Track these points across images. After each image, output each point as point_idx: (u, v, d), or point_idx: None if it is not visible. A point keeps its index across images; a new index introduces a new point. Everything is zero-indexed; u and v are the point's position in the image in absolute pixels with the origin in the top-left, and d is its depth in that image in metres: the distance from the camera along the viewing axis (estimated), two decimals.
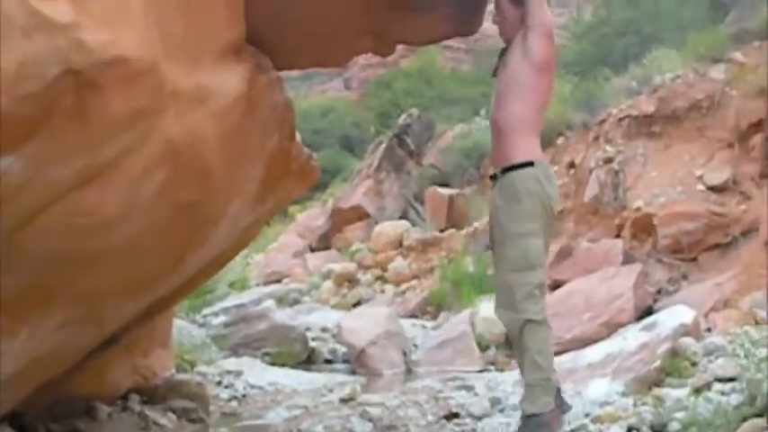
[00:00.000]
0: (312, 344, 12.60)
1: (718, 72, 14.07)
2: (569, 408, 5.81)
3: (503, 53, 5.77)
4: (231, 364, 10.18)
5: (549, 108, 16.25)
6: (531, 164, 5.46)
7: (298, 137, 6.03)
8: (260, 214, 6.01)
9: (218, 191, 4.60)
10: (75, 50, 3.23)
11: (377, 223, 19.56)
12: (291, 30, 5.20)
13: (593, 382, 7.52)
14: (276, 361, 11.34)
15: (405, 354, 11.49)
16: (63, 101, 3.29)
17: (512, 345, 5.72)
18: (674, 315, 8.62)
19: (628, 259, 12.06)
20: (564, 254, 12.87)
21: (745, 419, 5.09)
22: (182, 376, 7.88)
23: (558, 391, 5.71)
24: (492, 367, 10.76)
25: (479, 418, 7.12)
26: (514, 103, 5.52)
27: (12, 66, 3.04)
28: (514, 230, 5.43)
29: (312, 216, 23.54)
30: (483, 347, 11.33)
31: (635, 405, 6.46)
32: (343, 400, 8.26)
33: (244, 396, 8.94)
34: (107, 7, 3.46)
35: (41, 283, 4.08)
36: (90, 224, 3.82)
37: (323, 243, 21.96)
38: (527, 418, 5.47)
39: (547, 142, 16.55)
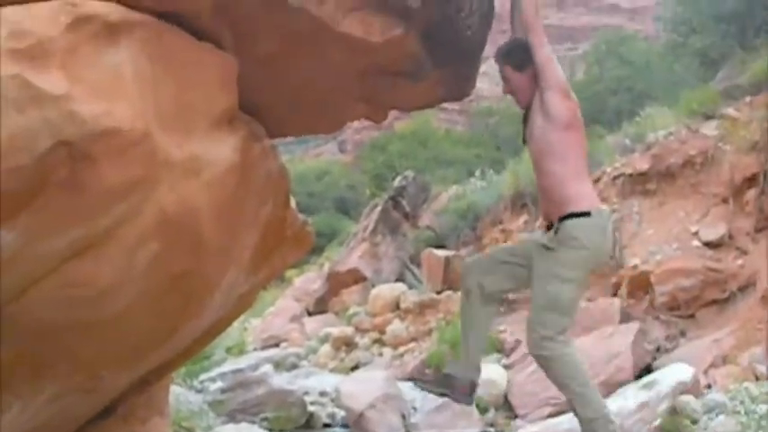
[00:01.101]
0: (310, 408, 12.57)
1: (710, 128, 14.15)
2: None
3: (525, 118, 5.79)
4: (229, 430, 10.12)
5: None
6: (588, 213, 5.47)
7: (293, 201, 6.03)
8: (256, 282, 5.99)
9: (213, 260, 4.59)
10: (67, 122, 3.25)
11: (373, 286, 19.55)
12: (285, 97, 5.21)
13: None
14: (274, 426, 11.29)
15: (404, 417, 11.45)
16: (56, 173, 3.31)
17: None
18: (673, 373, 8.61)
19: (625, 318, 12.04)
20: None
21: None
22: None
23: None
24: (492, 429, 10.74)
25: None
26: (553, 165, 5.53)
27: (4, 138, 3.06)
28: (562, 274, 5.43)
29: (309, 280, 23.52)
30: (482, 409, 11.30)
31: None
32: None
33: None
34: (100, 78, 3.48)
35: (35, 354, 4.07)
36: (84, 295, 3.82)
37: (320, 307, 21.93)
38: None
39: None
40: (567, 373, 5.35)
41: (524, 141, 5.86)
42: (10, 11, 3.37)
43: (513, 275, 5.87)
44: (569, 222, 5.40)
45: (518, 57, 5.65)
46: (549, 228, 5.62)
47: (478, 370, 5.87)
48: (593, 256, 5.60)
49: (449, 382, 5.72)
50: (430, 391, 6.19)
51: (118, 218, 3.71)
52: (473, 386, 5.80)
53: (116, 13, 3.66)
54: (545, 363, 5.42)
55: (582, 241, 5.33)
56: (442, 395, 5.92)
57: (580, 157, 5.69)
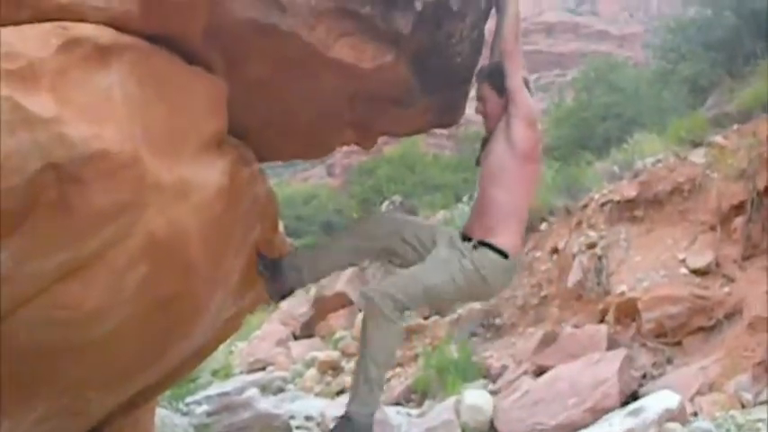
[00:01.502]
0: None
1: (698, 156, 14.17)
2: None
3: (485, 141, 5.75)
4: None
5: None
6: (507, 256, 5.41)
7: (280, 225, 6.04)
8: (243, 306, 5.99)
9: (201, 284, 4.59)
10: (57, 144, 3.25)
11: (360, 310, 19.50)
12: (274, 122, 5.23)
13: None
14: None
15: None
16: (45, 194, 3.31)
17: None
18: (659, 400, 8.61)
19: (612, 344, 12.03)
20: (548, 340, 12.84)
21: None
22: None
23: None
24: None
25: None
26: (498, 192, 5.46)
27: None
28: (456, 278, 5.27)
29: (295, 304, 23.45)
30: None
31: None
32: None
33: None
34: (89, 101, 3.49)
35: (24, 375, 4.07)
36: (72, 317, 3.82)
37: (306, 331, 21.90)
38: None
39: (529, 228, 16.58)
40: (381, 345, 5.20)
41: (478, 163, 5.83)
42: (3, 32, 3.38)
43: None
44: (490, 254, 5.32)
45: (501, 80, 5.62)
46: (465, 237, 5.62)
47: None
48: (484, 293, 5.69)
49: (274, 271, 5.59)
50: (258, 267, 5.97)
51: (107, 240, 3.71)
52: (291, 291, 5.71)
53: (107, 35, 3.66)
54: (374, 320, 5.21)
55: (488, 277, 5.27)
56: (260, 274, 5.74)
57: (527, 193, 5.62)
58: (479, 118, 5.66)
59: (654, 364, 11.61)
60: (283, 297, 5.77)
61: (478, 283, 5.30)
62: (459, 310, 16.43)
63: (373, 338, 5.12)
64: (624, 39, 69.38)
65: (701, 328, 11.70)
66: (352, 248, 5.43)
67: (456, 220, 21.37)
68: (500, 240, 5.31)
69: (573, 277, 14.13)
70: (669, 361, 11.51)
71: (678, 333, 11.73)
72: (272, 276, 5.41)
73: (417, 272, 5.29)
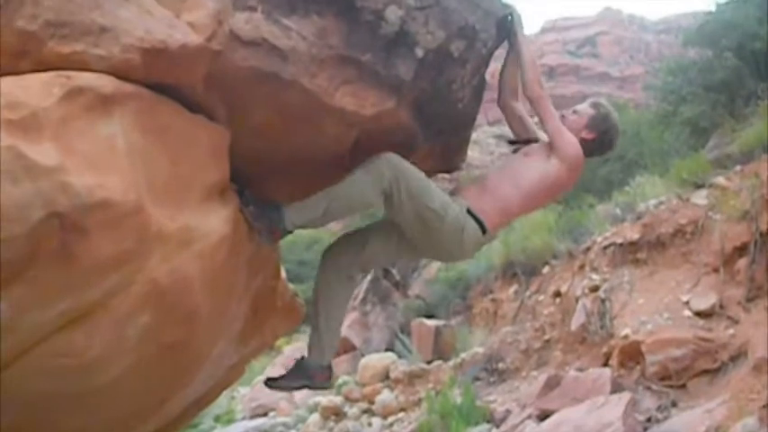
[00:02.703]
0: None
1: (701, 197, 14.16)
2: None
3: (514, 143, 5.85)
4: None
5: (534, 237, 16.22)
6: (485, 231, 5.44)
7: (283, 272, 6.04)
8: (246, 352, 5.98)
9: (204, 331, 4.58)
10: (60, 193, 3.25)
11: (363, 355, 19.46)
12: (276, 169, 5.24)
13: None
14: None
15: None
16: (48, 244, 3.31)
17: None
18: None
19: (616, 387, 11.97)
20: (552, 383, 12.79)
21: None
22: None
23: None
24: None
25: None
26: (510, 191, 5.51)
27: None
28: (436, 198, 5.22)
29: (298, 349, 23.30)
30: None
31: None
32: None
33: None
34: (92, 150, 3.50)
35: (24, 423, 4.06)
36: (75, 365, 3.81)
37: None
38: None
39: (532, 272, 16.61)
40: (348, 186, 5.13)
41: (511, 143, 5.90)
42: (5, 82, 3.39)
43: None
44: (474, 223, 5.40)
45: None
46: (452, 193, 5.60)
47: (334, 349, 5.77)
48: (452, 250, 5.55)
49: (305, 372, 5.57)
50: (289, 389, 5.97)
51: (109, 289, 3.71)
52: (330, 369, 5.69)
53: (109, 84, 3.68)
54: (362, 168, 5.13)
55: (465, 239, 5.35)
56: (302, 387, 5.73)
57: (531, 204, 5.76)
58: (481, 162, 5.72)
59: (659, 408, 11.55)
60: (277, 238, 5.39)
61: (456, 235, 5.34)
62: (462, 355, 16.38)
63: (347, 179, 5.08)
64: (625, 80, 69.42)
65: (706, 371, 11.64)
66: (362, 185, 5.24)
67: (458, 264, 21.36)
68: (486, 220, 5.41)
69: (576, 320, 14.10)
70: (674, 404, 11.45)
71: (683, 376, 11.68)
72: (310, 380, 5.43)
73: (427, 183, 5.27)
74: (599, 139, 5.76)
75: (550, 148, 5.53)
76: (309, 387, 5.73)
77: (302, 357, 5.69)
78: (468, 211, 5.38)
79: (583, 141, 5.63)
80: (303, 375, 5.60)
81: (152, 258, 3.85)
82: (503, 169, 5.83)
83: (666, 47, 66.65)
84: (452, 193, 5.53)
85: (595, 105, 5.88)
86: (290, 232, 5.15)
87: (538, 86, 5.52)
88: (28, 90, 3.38)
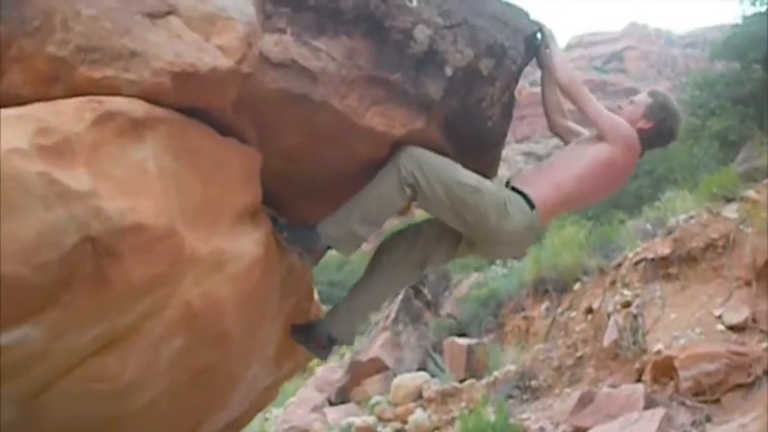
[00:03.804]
0: None
1: (731, 211, 14.08)
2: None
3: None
4: None
5: (565, 253, 16.13)
6: (533, 207, 5.29)
7: (315, 293, 6.04)
8: (280, 375, 5.98)
9: (237, 354, 4.58)
10: (93, 218, 3.26)
11: (395, 375, 19.41)
12: (307, 190, 5.25)
13: None
14: None
15: None
16: (81, 268, 3.32)
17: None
18: None
19: (650, 403, 11.90)
20: (585, 400, 12.73)
21: None
22: None
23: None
24: None
25: None
26: (560, 175, 5.44)
27: (31, 234, 3.08)
28: (468, 180, 5.12)
29: (330, 370, 23.35)
30: None
31: None
32: None
33: None
34: (125, 174, 3.51)
35: None
36: (109, 389, 3.81)
37: (342, 396, 21.76)
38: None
39: (563, 288, 16.54)
40: (376, 189, 5.07)
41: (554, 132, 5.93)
42: (37, 108, 3.41)
43: None
44: (519, 198, 5.29)
45: None
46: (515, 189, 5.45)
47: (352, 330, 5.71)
48: (497, 229, 5.26)
49: (311, 332, 5.51)
50: (294, 339, 5.84)
51: (143, 313, 3.71)
52: (332, 342, 5.56)
53: (140, 109, 3.69)
54: (387, 168, 5.10)
55: (511, 213, 5.20)
56: (301, 344, 5.66)
57: (585, 187, 5.50)
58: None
59: (693, 423, 11.48)
60: (319, 256, 5.38)
61: (498, 213, 5.18)
62: (495, 373, 16.33)
63: (374, 181, 5.03)
64: None
65: (740, 385, 11.56)
66: (385, 182, 5.05)
67: (489, 281, 21.36)
68: (531, 192, 5.30)
69: (608, 337, 14.02)
70: (708, 419, 11.38)
71: (716, 390, 11.60)
72: (293, 239, 5.15)
73: (452, 163, 5.16)
74: (657, 128, 5.63)
75: (599, 134, 5.48)
76: (306, 347, 5.66)
77: (319, 319, 5.70)
78: (510, 187, 5.35)
79: (641, 132, 5.53)
80: (308, 334, 5.54)
81: (185, 282, 3.86)
82: (553, 158, 5.83)
83: (693, 60, 66.57)
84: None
85: (653, 94, 5.79)
86: (330, 247, 5.13)
87: (568, 81, 5.45)
88: (60, 116, 3.39)
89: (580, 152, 5.53)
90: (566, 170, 5.47)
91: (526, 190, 5.33)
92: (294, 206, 5.27)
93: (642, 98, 5.72)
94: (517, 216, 5.24)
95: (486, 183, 5.20)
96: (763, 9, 20.11)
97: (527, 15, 5.56)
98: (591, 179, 5.50)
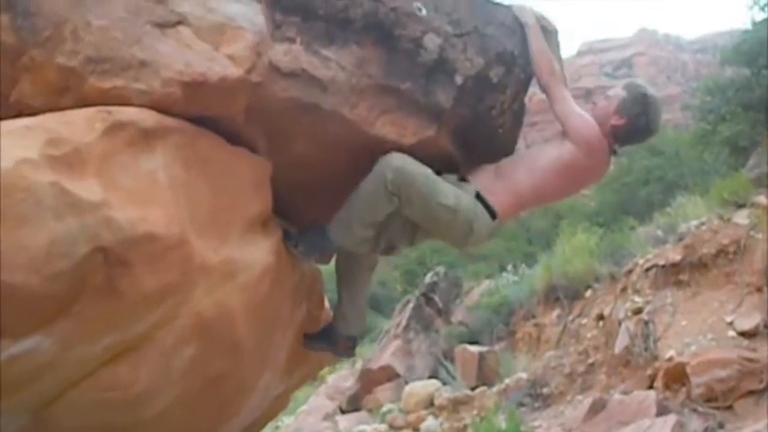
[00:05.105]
0: None
1: (742, 216, 14.05)
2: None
3: None
4: None
5: (575, 260, 16.10)
6: (495, 216, 5.26)
7: (326, 301, 6.04)
8: (291, 383, 5.98)
9: (249, 363, 4.58)
10: (104, 228, 3.27)
11: (407, 383, 19.39)
12: (318, 199, 5.24)
13: None
14: None
15: None
16: (93, 278, 3.32)
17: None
18: None
19: (662, 410, 11.87)
20: (597, 407, 12.70)
21: None
22: None
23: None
24: None
25: None
26: (522, 176, 5.31)
27: (42, 245, 3.09)
28: (446, 191, 5.02)
29: (341, 378, 23.33)
30: None
31: None
32: None
33: None
34: (135, 184, 3.52)
35: None
36: (121, 398, 3.82)
37: (353, 404, 21.73)
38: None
39: (574, 295, 16.51)
40: (364, 191, 5.06)
41: None
42: (47, 118, 3.42)
43: None
44: (482, 207, 5.22)
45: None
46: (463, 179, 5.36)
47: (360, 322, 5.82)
48: (462, 237, 5.29)
49: (330, 338, 5.66)
50: (313, 348, 5.87)
51: (154, 322, 3.72)
52: (354, 340, 5.74)
53: (150, 119, 3.71)
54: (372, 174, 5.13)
55: (473, 225, 5.16)
56: (324, 350, 5.73)
57: (544, 194, 5.51)
58: None
59: (705, 430, 11.44)
60: (331, 256, 5.50)
61: (465, 230, 5.18)
62: (507, 380, 16.32)
63: (361, 189, 4.96)
64: (662, 101, 69.14)
65: (752, 392, 11.54)
66: (371, 189, 4.96)
67: (501, 289, 21.34)
68: (495, 203, 5.23)
69: (620, 343, 13.99)
70: (721, 425, 11.35)
71: (729, 397, 11.57)
72: (307, 251, 5.15)
73: (434, 179, 5.06)
74: (631, 124, 5.37)
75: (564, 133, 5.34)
76: (332, 353, 5.81)
77: (332, 323, 5.74)
78: (478, 196, 5.22)
79: (614, 128, 5.33)
80: (328, 340, 5.62)
81: (196, 291, 3.86)
82: (520, 156, 5.67)
83: (703, 66, 66.54)
84: (463, 177, 5.34)
85: (628, 87, 5.54)
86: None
87: (545, 75, 5.33)
88: (70, 126, 3.41)
89: (543, 154, 5.39)
90: (525, 177, 5.34)
91: (490, 200, 5.25)
92: (304, 213, 5.27)
93: (616, 93, 5.49)
94: (481, 231, 5.26)
95: (463, 200, 5.13)
96: None
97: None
98: (552, 184, 5.40)
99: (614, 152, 5.48)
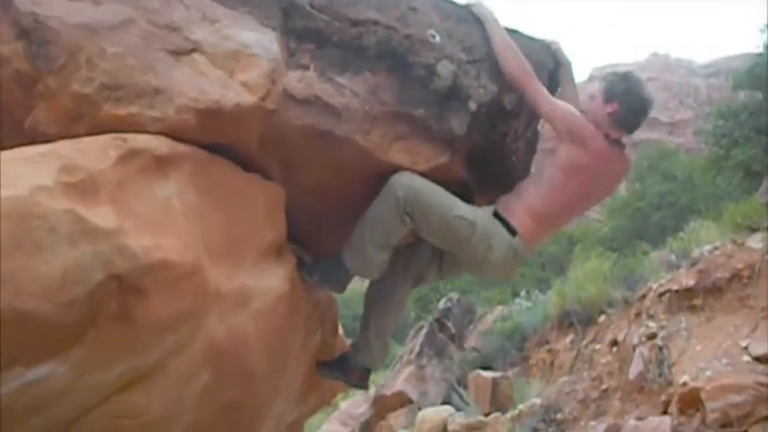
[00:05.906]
0: None
1: (756, 241, 14.02)
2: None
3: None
4: None
5: (588, 285, 16.06)
6: (515, 233, 5.19)
7: (340, 328, 6.03)
8: (305, 410, 5.97)
9: (262, 390, 4.57)
10: (118, 255, 3.27)
11: (420, 409, 19.35)
12: (332, 226, 5.24)
13: None
14: None
15: None
16: (107, 306, 3.32)
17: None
18: None
19: None
20: None
21: None
22: None
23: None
24: None
25: None
26: (531, 189, 5.28)
27: (56, 272, 3.08)
28: (462, 211, 5.01)
29: (355, 404, 23.29)
30: None
31: None
32: None
33: None
34: (149, 211, 3.52)
35: None
36: (135, 426, 3.80)
37: (366, 430, 21.70)
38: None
39: (588, 321, 16.48)
40: (376, 211, 5.05)
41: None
42: (61, 145, 3.43)
43: None
44: (500, 228, 5.17)
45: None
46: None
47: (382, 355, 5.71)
48: (482, 261, 5.24)
49: (345, 367, 5.59)
50: (326, 376, 5.87)
51: (168, 349, 3.71)
52: (368, 373, 5.68)
53: (164, 146, 3.71)
54: (381, 195, 5.09)
55: (493, 246, 5.13)
56: (337, 379, 5.72)
57: (559, 201, 5.35)
58: None
59: None
60: (347, 282, 5.35)
61: (486, 246, 5.13)
62: (520, 406, 16.29)
63: (374, 209, 4.96)
64: (675, 126, 69.11)
65: (767, 417, 11.51)
66: (382, 210, 4.96)
67: (514, 315, 21.33)
68: (513, 220, 5.18)
69: (634, 369, 13.96)
70: None
71: (744, 422, 11.52)
72: (322, 280, 5.18)
73: (446, 194, 5.04)
74: (624, 102, 5.31)
75: (556, 135, 5.28)
76: (345, 383, 5.80)
77: (349, 352, 5.70)
78: (496, 215, 5.21)
79: (612, 116, 5.28)
80: (342, 370, 5.60)
81: (210, 318, 3.86)
82: (532, 174, 5.69)
83: (716, 90, 66.42)
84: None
85: (603, 77, 5.56)
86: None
87: (518, 71, 5.13)
88: (84, 153, 3.41)
89: (546, 165, 5.34)
90: (535, 189, 5.30)
91: (508, 218, 5.22)
92: (319, 241, 5.27)
93: (596, 87, 5.44)
94: (501, 249, 5.18)
95: (479, 214, 5.14)
96: None
97: (549, 49, 5.55)
98: (559, 185, 5.29)
99: (619, 143, 5.45)
